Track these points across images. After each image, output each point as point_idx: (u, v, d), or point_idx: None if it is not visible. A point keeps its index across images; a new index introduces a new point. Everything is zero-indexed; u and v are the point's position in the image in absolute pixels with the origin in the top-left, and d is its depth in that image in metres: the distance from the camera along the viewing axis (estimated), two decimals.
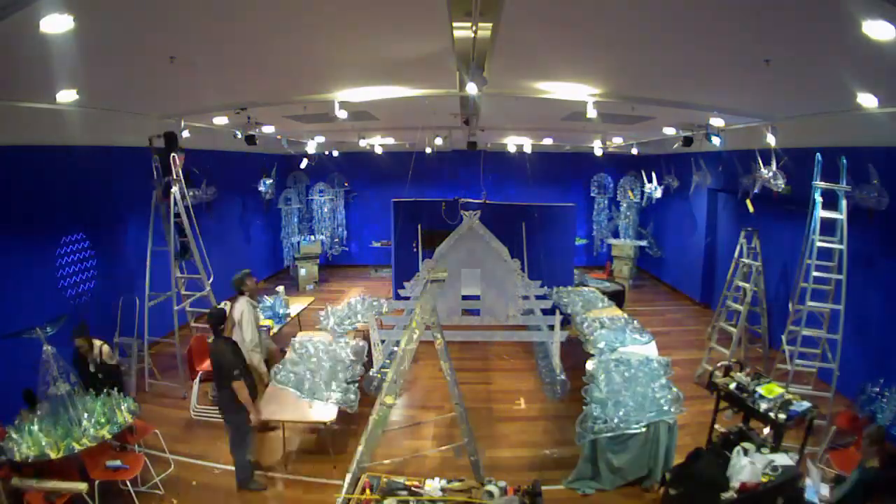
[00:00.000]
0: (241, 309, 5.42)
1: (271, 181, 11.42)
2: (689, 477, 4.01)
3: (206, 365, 6.13)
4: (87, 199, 6.60)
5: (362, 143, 9.86)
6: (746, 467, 3.80)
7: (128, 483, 4.30)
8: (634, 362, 5.22)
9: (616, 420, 4.51)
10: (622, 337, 5.94)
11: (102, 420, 4.23)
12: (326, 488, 4.74)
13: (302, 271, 11.81)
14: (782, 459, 3.95)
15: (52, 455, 3.90)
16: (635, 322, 6.64)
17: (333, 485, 4.69)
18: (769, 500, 3.77)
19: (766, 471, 3.81)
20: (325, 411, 4.84)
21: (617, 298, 8.33)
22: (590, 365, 5.35)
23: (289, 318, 7.39)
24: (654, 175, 11.36)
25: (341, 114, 5.30)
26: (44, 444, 3.90)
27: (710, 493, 3.76)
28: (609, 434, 4.45)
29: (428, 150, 10.22)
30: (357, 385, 5.12)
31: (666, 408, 4.59)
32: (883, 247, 5.90)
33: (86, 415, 4.21)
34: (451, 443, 5.46)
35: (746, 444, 4.03)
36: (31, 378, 4.31)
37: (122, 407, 4.46)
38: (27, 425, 4.04)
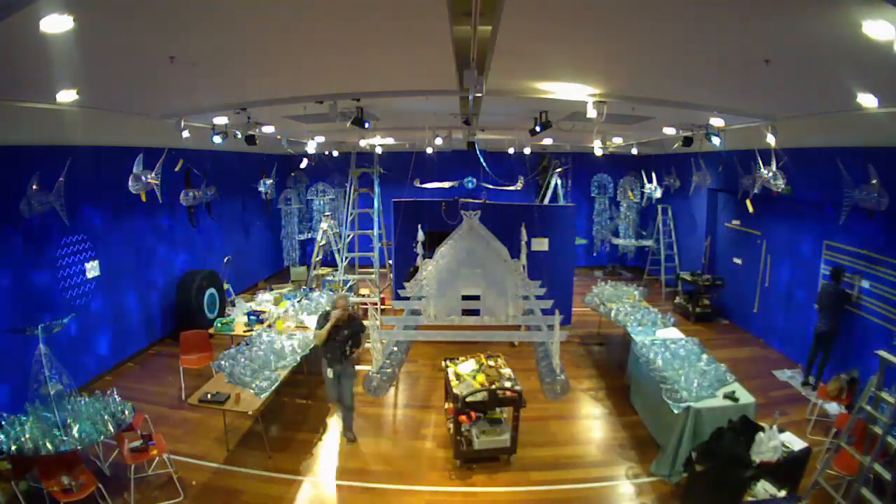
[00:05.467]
0: None
1: (271, 181, 11.43)
2: (713, 454, 4.10)
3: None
4: (88, 199, 6.62)
5: (362, 143, 9.86)
6: (770, 447, 3.99)
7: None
8: (671, 345, 5.77)
9: (696, 389, 4.82)
10: (650, 329, 6.54)
11: (88, 427, 4.21)
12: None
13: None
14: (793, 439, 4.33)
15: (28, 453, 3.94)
16: (651, 308, 7.24)
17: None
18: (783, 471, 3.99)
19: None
20: (252, 401, 4.97)
21: None
22: (640, 350, 5.81)
23: (266, 319, 7.34)
24: (653, 175, 11.36)
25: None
26: (23, 440, 3.94)
27: (733, 469, 3.89)
28: (697, 404, 4.71)
29: (428, 150, 10.23)
30: (281, 375, 5.37)
31: (728, 378, 5.09)
32: None
33: (73, 418, 4.21)
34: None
35: (765, 424, 4.26)
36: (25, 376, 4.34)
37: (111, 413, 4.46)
38: (17, 420, 4.07)
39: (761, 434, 4.13)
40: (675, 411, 4.76)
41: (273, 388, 5.17)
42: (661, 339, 6.14)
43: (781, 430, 4.27)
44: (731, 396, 4.83)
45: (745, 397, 4.85)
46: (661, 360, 5.40)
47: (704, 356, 5.50)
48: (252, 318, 7.13)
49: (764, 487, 3.88)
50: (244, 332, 6.80)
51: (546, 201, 12.01)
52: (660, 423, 5.38)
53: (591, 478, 4.92)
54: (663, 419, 5.16)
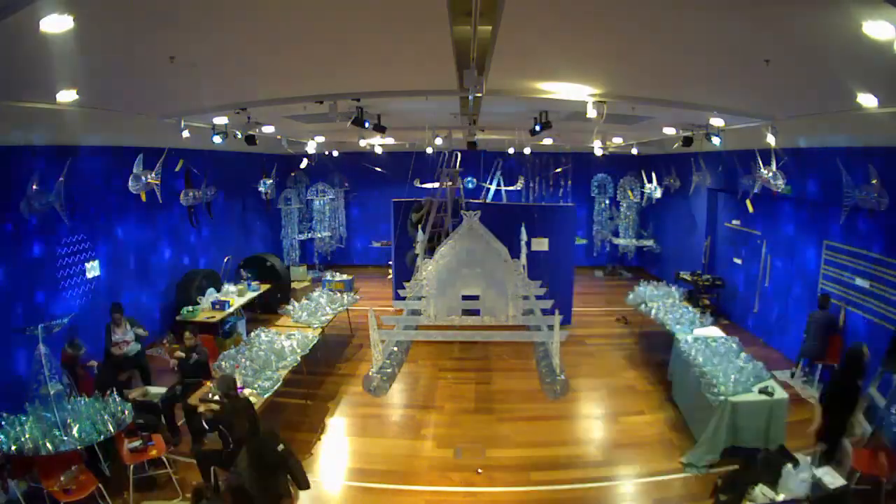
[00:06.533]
0: None
1: (271, 181, 11.42)
2: (739, 485, 4.03)
3: None
4: (88, 199, 6.61)
5: (362, 143, 9.85)
6: (798, 480, 3.84)
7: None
8: (712, 343, 6.02)
9: (733, 383, 5.01)
10: (688, 328, 6.72)
11: (87, 426, 4.20)
12: None
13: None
14: (830, 476, 3.94)
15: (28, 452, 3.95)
16: (690, 308, 7.43)
17: None
18: None
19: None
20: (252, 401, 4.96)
21: None
22: (682, 346, 6.06)
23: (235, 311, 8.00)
24: (653, 175, 11.35)
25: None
26: (23, 440, 3.94)
27: None
28: (734, 398, 4.89)
29: (428, 150, 10.23)
30: (282, 375, 5.44)
31: (764, 374, 5.29)
32: None
33: (73, 418, 4.20)
34: (451, 443, 5.49)
35: (800, 456, 4.08)
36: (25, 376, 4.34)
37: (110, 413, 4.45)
38: (17, 420, 4.07)
39: (789, 466, 3.91)
40: (712, 403, 4.97)
41: (275, 388, 5.18)
42: (702, 336, 6.36)
43: (820, 465, 4.07)
44: (765, 391, 5.00)
45: (780, 393, 5.06)
46: (702, 357, 5.67)
47: (742, 354, 5.76)
48: (217, 306, 7.66)
49: (762, 492, 3.83)
50: (207, 318, 7.40)
51: (490, 198, 12.26)
52: (698, 417, 5.51)
53: (590, 478, 4.92)
54: (702, 413, 5.33)
